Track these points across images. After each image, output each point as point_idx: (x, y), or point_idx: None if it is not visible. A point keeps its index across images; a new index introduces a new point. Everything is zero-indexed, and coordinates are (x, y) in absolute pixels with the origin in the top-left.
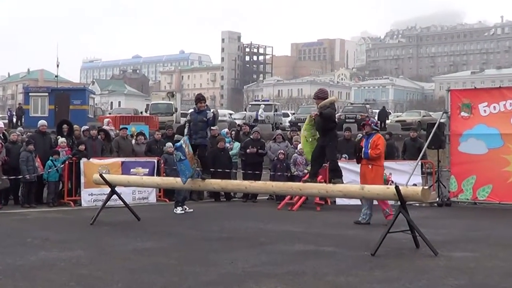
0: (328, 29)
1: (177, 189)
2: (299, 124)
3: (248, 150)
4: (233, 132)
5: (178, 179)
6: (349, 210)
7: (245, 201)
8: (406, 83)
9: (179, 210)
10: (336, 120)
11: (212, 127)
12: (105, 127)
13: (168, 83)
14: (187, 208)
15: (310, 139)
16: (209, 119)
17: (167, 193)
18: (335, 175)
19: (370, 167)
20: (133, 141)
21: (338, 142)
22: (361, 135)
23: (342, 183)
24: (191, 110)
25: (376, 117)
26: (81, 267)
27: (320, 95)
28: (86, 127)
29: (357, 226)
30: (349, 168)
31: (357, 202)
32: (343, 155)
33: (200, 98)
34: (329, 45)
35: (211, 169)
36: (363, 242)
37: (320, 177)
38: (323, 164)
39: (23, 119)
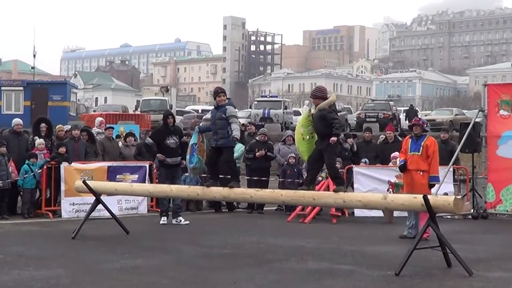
0: (346, 15)
1: (172, 197)
2: None
3: (257, 154)
4: None
5: (173, 186)
6: (369, 222)
7: (250, 212)
8: (435, 77)
9: (162, 220)
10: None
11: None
12: (96, 129)
13: (162, 76)
14: (182, 220)
15: (308, 137)
16: (228, 116)
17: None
18: (337, 183)
19: (420, 173)
20: (120, 143)
21: (337, 147)
22: (384, 136)
23: (345, 191)
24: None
25: (403, 117)
26: None
27: (318, 94)
28: (68, 126)
29: (378, 241)
30: (370, 175)
31: (379, 213)
32: (363, 160)
33: (218, 91)
34: (347, 33)
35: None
36: (386, 260)
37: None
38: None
39: None
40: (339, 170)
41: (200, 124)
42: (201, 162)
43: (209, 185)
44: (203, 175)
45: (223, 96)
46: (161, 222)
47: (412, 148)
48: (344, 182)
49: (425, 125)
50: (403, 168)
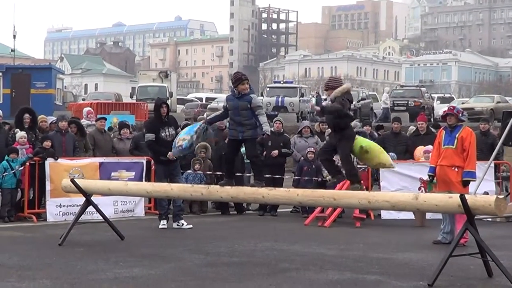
0: None
1: (173, 198)
2: None
3: (272, 152)
4: None
5: (174, 185)
6: (398, 226)
7: (262, 215)
8: (474, 59)
9: (161, 224)
10: (351, 112)
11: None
12: (84, 120)
13: (160, 60)
14: (185, 223)
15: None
16: (254, 107)
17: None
18: (352, 180)
19: (455, 170)
20: (113, 135)
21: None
22: (414, 127)
23: (362, 189)
24: (226, 97)
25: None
26: None
27: (331, 84)
28: (53, 118)
29: (408, 248)
30: (398, 171)
31: (409, 215)
32: (390, 154)
33: (242, 78)
34: (372, 9)
35: (218, 172)
36: (418, 269)
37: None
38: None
39: None
40: (363, 164)
41: (205, 115)
42: (191, 146)
43: (223, 184)
44: (208, 172)
45: (247, 83)
46: (160, 226)
47: (446, 141)
48: (359, 178)
49: (461, 114)
50: (431, 179)
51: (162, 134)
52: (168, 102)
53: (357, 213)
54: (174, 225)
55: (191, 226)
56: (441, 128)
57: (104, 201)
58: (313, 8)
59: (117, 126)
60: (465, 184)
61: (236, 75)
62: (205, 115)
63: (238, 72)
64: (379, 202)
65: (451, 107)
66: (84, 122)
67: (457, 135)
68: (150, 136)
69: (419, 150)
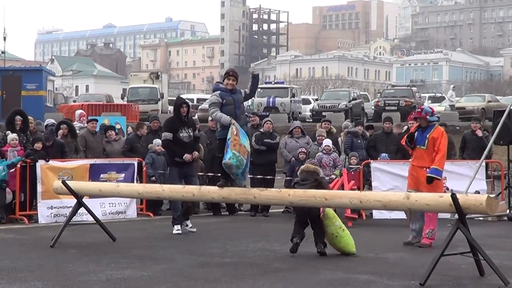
0: None
1: (169, 200)
2: (323, 113)
3: (255, 146)
4: None
5: (166, 186)
6: (390, 226)
7: (253, 215)
8: (465, 58)
9: (175, 229)
10: None
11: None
12: (77, 123)
13: (151, 61)
14: (190, 225)
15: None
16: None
17: (151, 205)
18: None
19: (425, 170)
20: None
21: None
22: (407, 126)
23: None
24: (215, 93)
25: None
26: None
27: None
28: (52, 121)
29: (400, 247)
30: (390, 171)
31: (401, 215)
32: (382, 155)
33: (236, 76)
34: (363, 9)
35: (209, 174)
36: (409, 268)
37: (352, 182)
38: None
39: None
40: (356, 165)
41: (211, 111)
42: (236, 158)
43: (221, 185)
44: (200, 173)
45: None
46: (174, 231)
47: (417, 141)
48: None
49: (430, 115)
50: (410, 138)
51: (181, 135)
52: (159, 103)
53: (349, 213)
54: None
55: (194, 230)
56: (414, 126)
57: (93, 203)
58: (303, 9)
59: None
60: (428, 180)
61: (233, 71)
62: (196, 116)
63: (231, 69)
64: (371, 202)
65: (419, 109)
66: (76, 124)
67: (428, 135)
68: (167, 135)
69: None
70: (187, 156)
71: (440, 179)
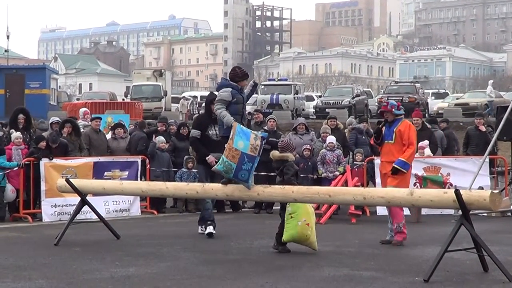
0: None
1: (169, 196)
2: (327, 110)
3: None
4: None
5: (169, 184)
6: None
7: (257, 212)
8: (468, 54)
9: (208, 229)
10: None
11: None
12: (81, 121)
13: (155, 59)
14: (211, 229)
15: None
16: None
17: (155, 203)
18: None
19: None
20: (108, 135)
21: None
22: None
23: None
24: (227, 90)
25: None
26: None
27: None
28: (56, 118)
29: (404, 244)
30: None
31: (405, 211)
32: None
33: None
34: (366, 6)
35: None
36: (413, 265)
37: (356, 179)
38: None
39: None
40: (361, 161)
41: (218, 107)
42: (224, 163)
43: (225, 182)
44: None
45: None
46: (206, 232)
47: (385, 136)
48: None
49: (395, 109)
50: (378, 134)
51: (210, 132)
52: (163, 101)
53: (353, 210)
54: (199, 229)
55: (214, 232)
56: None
57: (96, 201)
58: (307, 5)
59: (110, 126)
60: (393, 171)
61: (243, 71)
62: (218, 109)
63: (240, 67)
64: (374, 198)
65: (385, 103)
66: (81, 122)
67: (394, 129)
68: (195, 133)
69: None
70: (210, 158)
71: (405, 172)
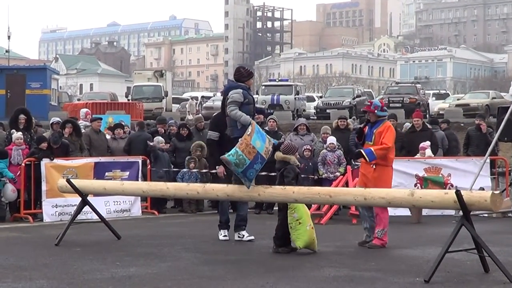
0: None
1: (169, 197)
2: (327, 110)
3: None
4: None
5: (170, 184)
6: (394, 223)
7: (258, 213)
8: (469, 55)
9: (222, 235)
10: None
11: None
12: (82, 121)
13: (155, 59)
14: (246, 235)
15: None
16: None
17: (156, 203)
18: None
19: (373, 167)
20: (108, 136)
21: None
22: (408, 124)
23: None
24: (239, 91)
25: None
26: None
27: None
28: (57, 119)
29: (404, 244)
30: (395, 168)
31: (405, 212)
32: None
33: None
34: (367, 6)
35: (214, 171)
36: (414, 265)
37: (356, 180)
38: None
39: None
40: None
41: (231, 108)
42: (237, 156)
43: (236, 181)
44: (204, 170)
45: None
46: (221, 237)
47: (367, 137)
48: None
49: (378, 110)
50: (359, 134)
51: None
52: (164, 101)
53: (353, 210)
54: (236, 236)
55: (252, 237)
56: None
57: (97, 202)
58: (307, 6)
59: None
60: (356, 155)
61: (248, 70)
62: (232, 109)
63: (243, 67)
64: (375, 199)
65: (368, 104)
66: (82, 123)
67: (375, 131)
68: (213, 135)
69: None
70: (219, 169)
71: (366, 159)
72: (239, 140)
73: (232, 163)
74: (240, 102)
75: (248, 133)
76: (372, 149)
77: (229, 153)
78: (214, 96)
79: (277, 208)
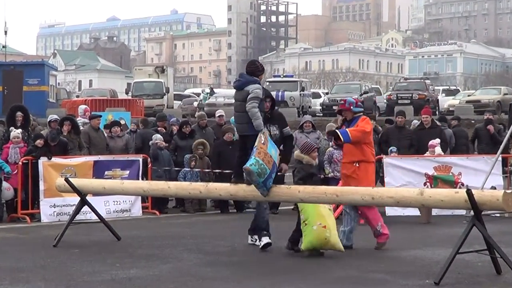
0: None
1: (171, 196)
2: (334, 107)
3: None
4: None
5: (172, 184)
6: (403, 223)
7: None
8: (480, 50)
9: (264, 239)
10: None
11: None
12: (81, 118)
13: (156, 54)
14: (264, 240)
15: None
16: None
17: (157, 203)
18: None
19: (356, 165)
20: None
21: None
22: (417, 121)
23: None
24: (259, 86)
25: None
26: None
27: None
28: (55, 116)
29: (414, 245)
30: (403, 166)
31: (415, 211)
32: (392, 149)
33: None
34: (374, 0)
35: (216, 170)
36: (424, 266)
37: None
38: None
39: None
40: None
41: (253, 105)
42: (259, 165)
43: (236, 181)
44: (206, 169)
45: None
46: (262, 243)
47: (343, 133)
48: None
49: (354, 106)
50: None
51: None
52: (165, 98)
53: None
54: (249, 240)
55: (269, 241)
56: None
57: (96, 202)
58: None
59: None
60: (332, 133)
61: (262, 64)
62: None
63: (257, 60)
64: (383, 198)
65: (342, 101)
66: (80, 120)
67: (354, 126)
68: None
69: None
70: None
71: (341, 139)
72: (254, 148)
73: (255, 173)
74: (260, 99)
75: (262, 141)
76: (347, 130)
77: (250, 162)
78: (202, 92)
79: (281, 208)
